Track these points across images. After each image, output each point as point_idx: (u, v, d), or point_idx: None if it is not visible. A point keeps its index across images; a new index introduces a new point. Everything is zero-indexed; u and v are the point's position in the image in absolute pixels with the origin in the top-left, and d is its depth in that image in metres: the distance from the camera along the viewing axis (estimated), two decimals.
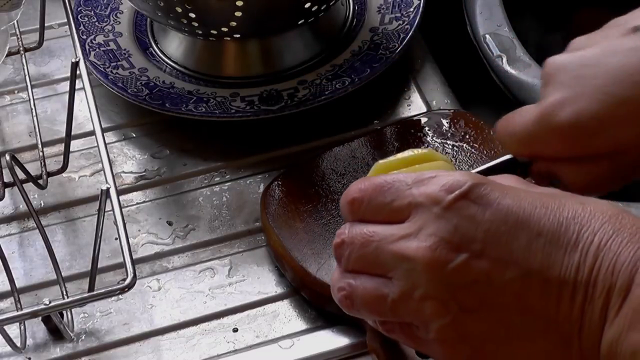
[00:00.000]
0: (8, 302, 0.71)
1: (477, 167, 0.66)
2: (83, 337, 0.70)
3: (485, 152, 0.76)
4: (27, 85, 0.83)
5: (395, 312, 0.57)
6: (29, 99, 0.82)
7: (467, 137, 0.77)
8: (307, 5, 0.80)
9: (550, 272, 0.54)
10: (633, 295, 0.52)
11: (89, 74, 0.75)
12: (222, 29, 0.80)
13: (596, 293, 0.53)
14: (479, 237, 0.54)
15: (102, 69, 0.84)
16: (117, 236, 0.66)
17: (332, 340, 0.68)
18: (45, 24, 0.86)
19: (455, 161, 0.76)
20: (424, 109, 0.83)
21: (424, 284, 0.55)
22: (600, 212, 0.55)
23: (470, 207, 0.55)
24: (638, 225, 0.54)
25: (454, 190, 0.55)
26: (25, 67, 0.85)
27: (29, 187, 0.74)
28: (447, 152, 0.76)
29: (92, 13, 0.89)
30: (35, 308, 0.63)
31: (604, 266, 0.53)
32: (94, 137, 0.72)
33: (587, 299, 0.53)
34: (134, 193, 0.79)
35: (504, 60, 0.84)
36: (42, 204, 0.78)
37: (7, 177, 0.73)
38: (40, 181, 0.75)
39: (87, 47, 0.86)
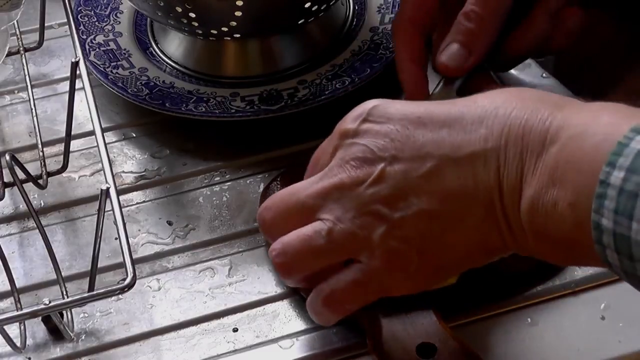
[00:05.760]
0: (8, 302, 0.71)
1: None
2: (83, 337, 0.70)
3: None
4: (27, 85, 0.83)
5: (331, 243, 0.59)
6: (29, 99, 0.82)
7: None
8: (307, 5, 0.80)
9: (460, 151, 0.57)
10: (547, 154, 0.54)
11: (89, 73, 0.75)
12: (222, 28, 0.80)
13: (509, 157, 0.55)
14: (389, 146, 0.58)
15: (102, 69, 0.84)
16: (117, 236, 0.66)
17: (332, 340, 0.68)
18: (45, 24, 0.86)
19: None
20: None
21: (353, 205, 0.59)
22: (500, 92, 0.58)
23: (374, 126, 0.60)
24: (540, 95, 0.57)
25: (358, 119, 0.60)
26: (25, 67, 0.85)
27: (29, 187, 0.74)
28: None
29: (92, 13, 0.89)
30: (35, 308, 0.63)
31: (512, 132, 0.55)
32: (94, 137, 0.71)
33: (501, 165, 0.55)
34: (134, 193, 0.79)
35: None
36: (42, 204, 0.78)
37: (7, 177, 0.73)
38: (40, 181, 0.75)
39: (87, 47, 0.86)
